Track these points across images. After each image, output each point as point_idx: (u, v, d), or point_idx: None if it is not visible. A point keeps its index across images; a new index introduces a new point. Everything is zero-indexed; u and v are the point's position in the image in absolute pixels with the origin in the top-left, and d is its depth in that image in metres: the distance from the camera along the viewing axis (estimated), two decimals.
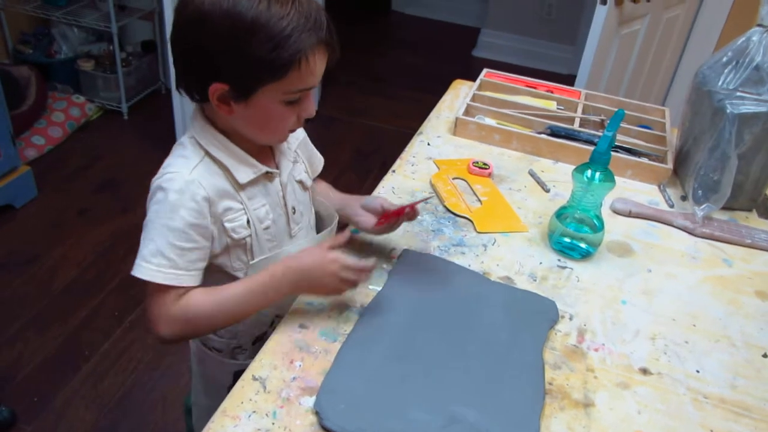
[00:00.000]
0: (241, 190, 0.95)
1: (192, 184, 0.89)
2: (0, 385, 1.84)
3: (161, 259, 0.88)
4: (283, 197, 1.01)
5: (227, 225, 0.94)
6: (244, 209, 0.95)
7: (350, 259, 0.92)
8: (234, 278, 0.98)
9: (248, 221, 0.96)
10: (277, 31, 0.82)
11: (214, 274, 0.97)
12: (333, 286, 0.93)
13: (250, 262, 0.98)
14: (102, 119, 3.18)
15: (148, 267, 0.88)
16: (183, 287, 0.90)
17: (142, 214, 2.39)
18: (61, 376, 1.88)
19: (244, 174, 0.94)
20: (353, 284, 0.94)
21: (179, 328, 0.90)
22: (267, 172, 0.98)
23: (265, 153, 1.00)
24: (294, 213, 1.03)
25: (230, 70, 0.85)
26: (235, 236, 0.95)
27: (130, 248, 2.31)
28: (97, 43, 3.25)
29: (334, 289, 0.94)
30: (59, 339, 2.00)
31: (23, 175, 2.52)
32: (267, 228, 0.99)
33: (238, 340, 1.09)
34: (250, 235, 0.97)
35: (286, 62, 0.84)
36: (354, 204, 1.10)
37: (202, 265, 0.93)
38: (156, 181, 0.91)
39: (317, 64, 0.88)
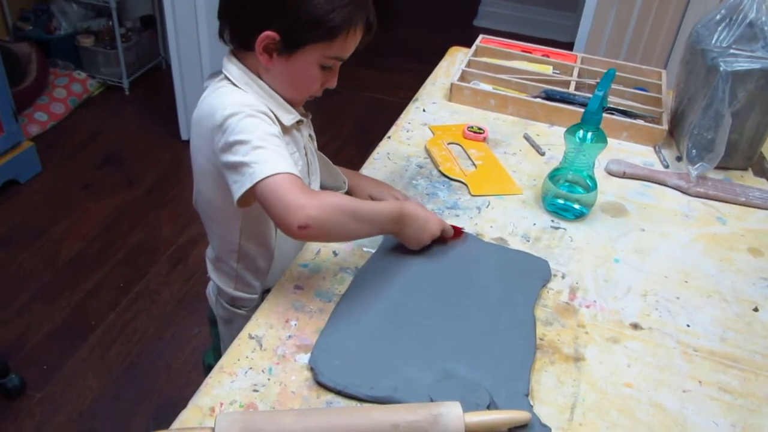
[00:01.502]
0: (283, 134, 0.98)
1: (262, 107, 0.93)
2: (10, 354, 1.87)
3: (278, 156, 0.87)
4: (305, 147, 1.06)
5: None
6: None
7: (448, 226, 1.03)
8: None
9: None
10: None
11: (261, 222, 1.02)
12: (424, 239, 1.00)
13: None
14: (103, 95, 3.19)
15: (270, 164, 0.86)
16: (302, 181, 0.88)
17: (146, 188, 2.42)
18: (69, 346, 1.92)
19: (287, 118, 0.99)
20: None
21: (328, 215, 0.85)
22: (298, 121, 1.02)
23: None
24: (311, 165, 1.08)
25: (286, 22, 0.91)
26: None
27: (135, 221, 2.38)
28: (97, 19, 3.25)
29: (420, 243, 1.00)
30: (66, 310, 2.04)
31: (27, 151, 2.54)
32: (300, 170, 1.02)
33: (270, 282, 1.10)
34: None
35: (337, 26, 0.91)
36: (363, 194, 1.15)
37: None
38: (225, 112, 0.90)
39: (357, 38, 0.96)
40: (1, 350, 1.89)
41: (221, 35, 0.98)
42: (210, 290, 1.20)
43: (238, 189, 0.87)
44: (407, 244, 1.00)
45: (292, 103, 1.01)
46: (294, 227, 0.84)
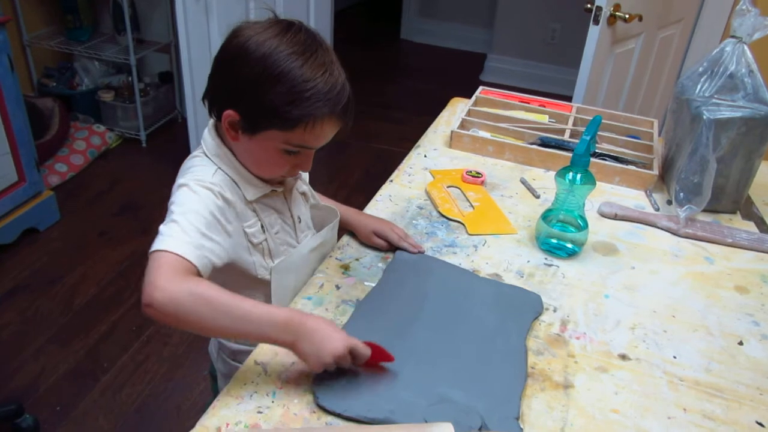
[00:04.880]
0: (252, 202, 1.03)
1: (215, 186, 0.96)
2: (25, 395, 1.93)
3: (183, 235, 0.87)
4: (290, 209, 1.10)
5: (247, 230, 1.02)
6: (257, 217, 1.04)
7: (361, 346, 0.87)
8: (259, 281, 1.06)
9: (262, 227, 1.04)
10: (299, 90, 0.90)
11: (240, 277, 1.04)
12: (324, 358, 0.85)
13: (271, 266, 1.05)
14: (121, 147, 3.31)
15: (167, 240, 0.86)
16: (194, 266, 0.86)
17: None
18: (82, 387, 1.97)
19: (251, 192, 1.02)
20: (338, 364, 0.87)
21: (178, 301, 0.81)
22: (273, 190, 1.05)
23: None
24: (300, 222, 1.12)
25: (246, 104, 0.93)
26: (255, 241, 1.03)
27: None
28: (117, 75, 3.40)
29: (320, 361, 0.85)
30: (80, 352, 2.09)
31: (47, 200, 2.65)
32: (277, 233, 1.07)
33: None
34: (266, 239, 1.05)
35: (295, 119, 0.91)
36: (366, 230, 1.20)
37: (213, 260, 0.91)
38: (180, 180, 0.95)
39: (324, 131, 0.95)
40: (16, 392, 1.94)
41: (203, 99, 1.02)
42: (212, 346, 1.23)
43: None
44: (306, 363, 0.86)
45: (262, 178, 1.03)
46: (142, 303, 0.82)
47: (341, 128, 0.98)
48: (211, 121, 1.03)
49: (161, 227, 0.89)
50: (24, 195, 2.53)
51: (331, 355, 0.84)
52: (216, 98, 0.99)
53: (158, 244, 0.86)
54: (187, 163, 1.01)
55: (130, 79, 3.23)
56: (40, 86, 3.25)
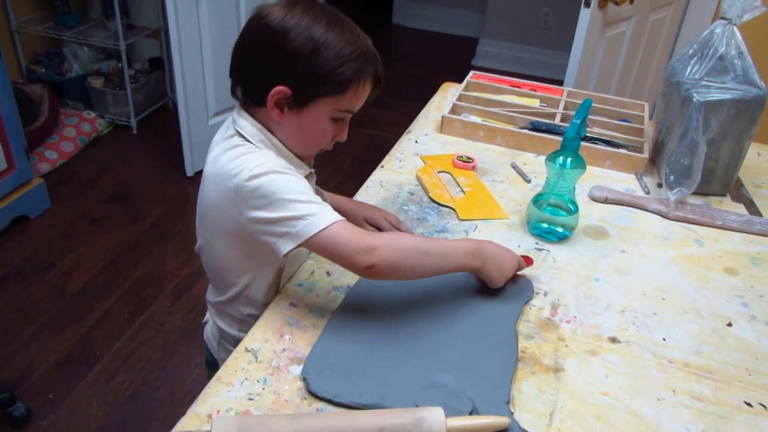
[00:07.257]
0: None
1: (288, 167, 0.97)
2: (17, 383, 1.92)
3: (325, 207, 0.93)
4: (314, 188, 1.10)
5: None
6: None
7: (521, 259, 1.08)
8: (282, 260, 1.04)
9: None
10: (346, 52, 0.93)
11: (275, 271, 1.05)
12: (508, 274, 1.05)
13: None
14: (112, 134, 3.29)
15: (323, 215, 0.91)
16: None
17: (151, 222, 2.49)
18: (74, 375, 1.97)
19: (300, 172, 1.01)
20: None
21: (395, 254, 0.92)
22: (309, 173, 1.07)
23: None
24: None
25: (297, 77, 0.94)
26: None
27: (140, 254, 2.45)
28: (107, 61, 3.37)
29: (505, 277, 1.04)
30: (72, 340, 2.09)
31: (37, 188, 2.63)
32: None
33: None
34: None
35: (347, 79, 0.94)
36: (357, 218, 1.19)
37: None
38: (253, 172, 0.93)
39: (366, 91, 0.99)
40: (8, 380, 1.94)
41: (233, 92, 1.01)
42: (209, 334, 1.22)
43: (287, 242, 0.91)
44: (490, 282, 1.03)
45: (302, 158, 1.04)
46: (362, 268, 0.91)
47: (372, 93, 1.01)
48: (238, 109, 1.02)
49: (294, 213, 0.91)
50: (14, 182, 2.51)
51: (512, 270, 1.05)
52: (257, 81, 0.97)
53: (317, 223, 0.90)
54: (229, 153, 0.97)
55: (120, 65, 3.20)
56: (29, 73, 3.22)
